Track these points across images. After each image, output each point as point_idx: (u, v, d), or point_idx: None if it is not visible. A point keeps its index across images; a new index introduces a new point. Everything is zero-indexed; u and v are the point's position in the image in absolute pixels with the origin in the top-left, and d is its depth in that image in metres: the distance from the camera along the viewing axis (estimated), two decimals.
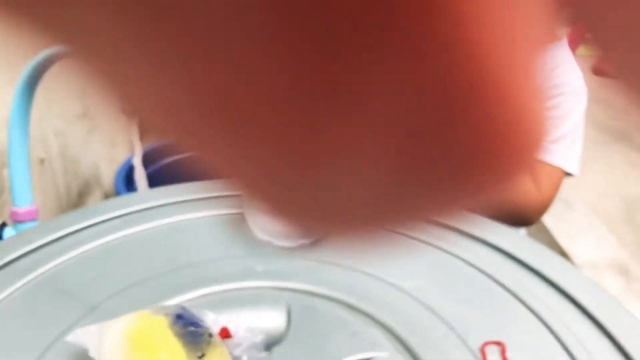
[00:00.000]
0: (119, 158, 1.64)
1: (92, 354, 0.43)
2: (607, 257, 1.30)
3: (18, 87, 0.72)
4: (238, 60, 0.08)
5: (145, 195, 0.67)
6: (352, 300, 0.53)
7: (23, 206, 0.76)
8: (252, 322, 0.50)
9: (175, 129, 0.09)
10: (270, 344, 0.49)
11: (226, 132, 0.09)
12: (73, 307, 0.51)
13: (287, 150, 0.09)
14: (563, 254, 1.31)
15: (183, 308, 0.45)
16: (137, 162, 0.74)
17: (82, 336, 0.45)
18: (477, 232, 0.60)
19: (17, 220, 0.76)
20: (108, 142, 1.58)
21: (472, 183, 0.09)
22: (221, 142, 0.09)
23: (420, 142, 0.08)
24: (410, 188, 0.09)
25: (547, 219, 1.41)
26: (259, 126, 0.09)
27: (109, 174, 1.57)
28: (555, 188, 0.78)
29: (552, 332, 0.50)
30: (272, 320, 0.51)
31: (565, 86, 0.76)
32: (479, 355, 0.48)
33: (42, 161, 1.02)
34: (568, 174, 0.79)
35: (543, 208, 0.77)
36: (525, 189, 0.75)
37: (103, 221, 0.62)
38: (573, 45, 2.15)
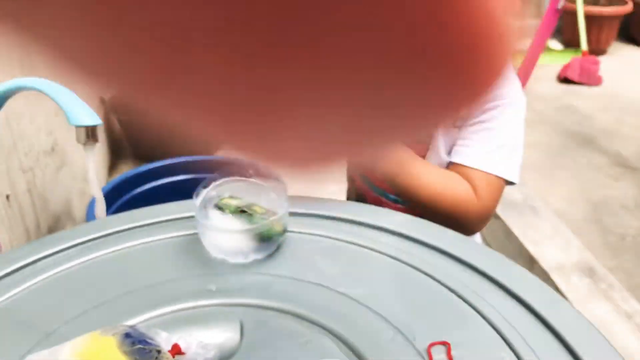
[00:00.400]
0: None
1: None
2: (573, 260, 1.33)
3: None
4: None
5: (100, 223, 0.68)
6: (302, 312, 0.54)
7: None
8: (205, 339, 0.51)
9: (124, 79, 0.10)
10: (224, 359, 0.50)
11: (178, 80, 0.09)
12: (29, 335, 0.52)
13: (249, 89, 0.09)
14: (531, 259, 1.34)
15: (132, 327, 0.46)
16: (96, 191, 0.76)
17: None
18: (420, 236, 0.62)
19: None
20: (79, 176, 1.59)
21: (445, 94, 0.09)
22: (176, 92, 0.10)
23: (392, 53, 0.08)
24: (386, 102, 0.09)
25: (514, 227, 1.44)
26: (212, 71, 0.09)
27: (80, 209, 1.57)
28: (496, 197, 0.79)
29: (495, 329, 0.52)
30: (225, 336, 0.52)
31: (501, 98, 0.78)
32: (425, 355, 0.50)
33: (7, 197, 1.03)
34: (510, 183, 0.80)
35: (483, 217, 0.79)
36: (464, 198, 0.77)
37: (59, 251, 0.63)
38: (535, 54, 2.19)
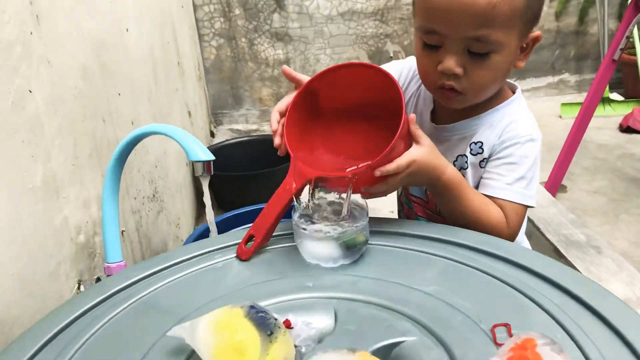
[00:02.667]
0: (183, 236, 1.82)
1: (187, 341, 0.57)
2: (638, 295, 1.37)
3: (110, 164, 0.90)
4: None
5: (215, 239, 0.83)
6: (385, 302, 0.66)
7: (114, 262, 0.93)
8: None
9: None
10: (322, 338, 0.62)
11: None
12: (167, 319, 0.65)
13: None
14: None
15: (254, 302, 0.59)
16: (209, 214, 0.91)
17: (179, 330, 0.59)
18: (477, 245, 0.73)
19: (109, 274, 0.92)
20: (173, 222, 1.77)
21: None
22: None
23: None
24: None
25: (578, 264, 1.50)
26: None
27: None
28: (520, 223, 0.90)
29: (550, 315, 0.61)
30: (323, 320, 0.64)
31: (518, 137, 0.90)
32: (489, 335, 0.60)
33: (122, 233, 1.20)
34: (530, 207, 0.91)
35: (511, 239, 0.89)
36: (497, 223, 0.87)
37: (184, 260, 0.78)
38: (592, 104, 2.24)
